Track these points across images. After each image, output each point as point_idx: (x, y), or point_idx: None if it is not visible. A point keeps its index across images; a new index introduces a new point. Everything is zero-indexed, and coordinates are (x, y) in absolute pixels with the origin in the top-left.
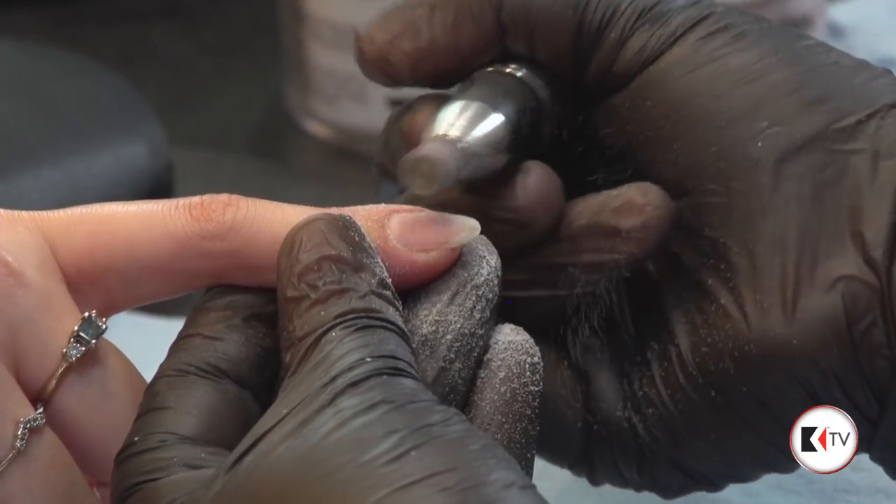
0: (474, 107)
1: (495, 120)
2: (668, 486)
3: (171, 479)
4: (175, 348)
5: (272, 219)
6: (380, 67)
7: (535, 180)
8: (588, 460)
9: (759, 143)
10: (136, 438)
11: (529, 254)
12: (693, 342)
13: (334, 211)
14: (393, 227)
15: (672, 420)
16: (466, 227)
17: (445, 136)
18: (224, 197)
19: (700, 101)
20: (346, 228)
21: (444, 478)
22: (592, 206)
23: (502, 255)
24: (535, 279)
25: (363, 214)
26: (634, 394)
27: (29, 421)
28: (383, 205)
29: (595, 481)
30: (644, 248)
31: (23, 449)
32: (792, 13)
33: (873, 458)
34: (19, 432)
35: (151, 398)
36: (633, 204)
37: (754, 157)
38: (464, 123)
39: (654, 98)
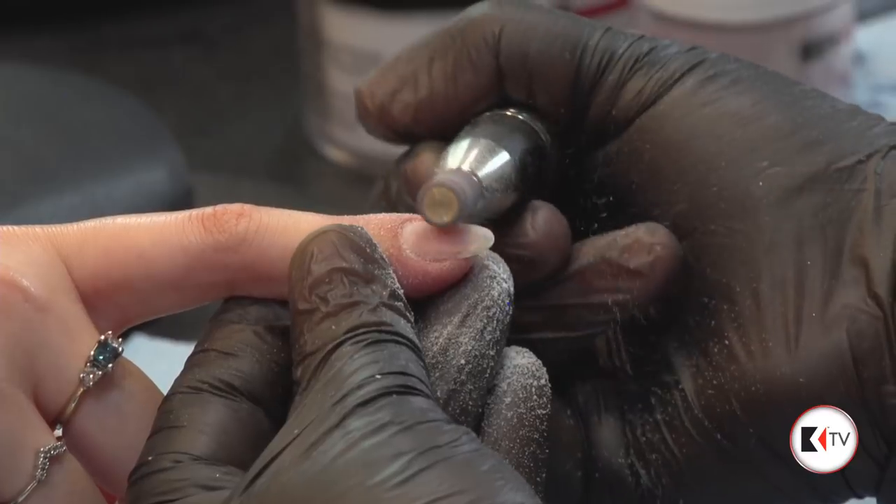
0: (483, 143)
1: (503, 157)
2: None
3: (185, 501)
4: (190, 364)
5: (285, 230)
6: (382, 121)
7: (544, 217)
8: None
9: (761, 183)
10: (149, 458)
11: (540, 295)
12: (698, 385)
13: (346, 220)
14: (406, 236)
15: (676, 465)
16: (480, 237)
17: (459, 169)
18: (236, 207)
19: (700, 143)
20: (358, 240)
21: (451, 501)
22: (599, 246)
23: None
24: (545, 321)
25: (376, 223)
26: (637, 440)
27: (49, 450)
28: (396, 214)
29: None
30: (652, 287)
31: (43, 479)
32: (818, 31)
33: None
34: (39, 462)
35: (165, 416)
36: (642, 243)
37: (755, 196)
38: (474, 159)
39: (654, 140)
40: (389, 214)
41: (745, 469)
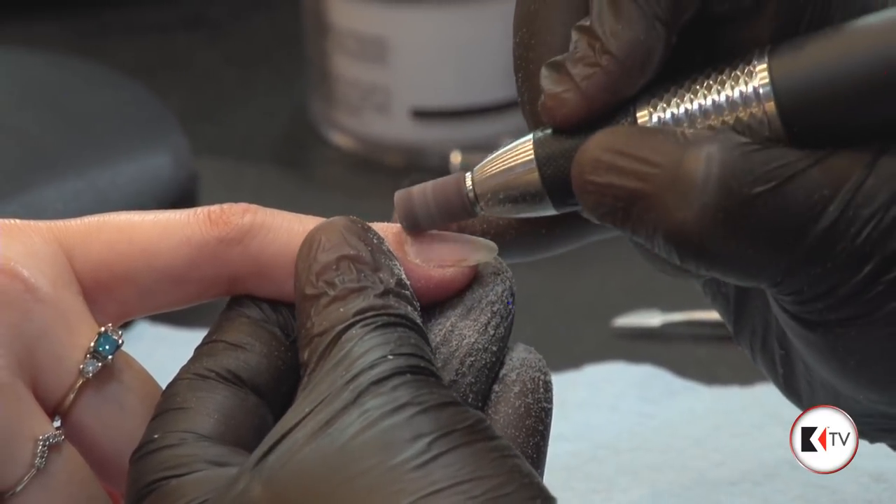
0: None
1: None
2: None
3: (193, 476)
4: (197, 353)
5: (290, 227)
6: None
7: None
8: None
9: None
10: (155, 436)
11: None
12: None
13: None
14: (411, 241)
15: None
16: (484, 248)
17: (466, 181)
18: (243, 204)
19: None
20: (365, 231)
21: (471, 486)
22: None
23: None
24: None
25: (380, 228)
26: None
27: (48, 438)
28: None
29: None
30: None
31: (42, 467)
32: None
33: None
34: (38, 450)
35: (171, 399)
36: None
37: None
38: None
39: None
40: (394, 224)
41: None
